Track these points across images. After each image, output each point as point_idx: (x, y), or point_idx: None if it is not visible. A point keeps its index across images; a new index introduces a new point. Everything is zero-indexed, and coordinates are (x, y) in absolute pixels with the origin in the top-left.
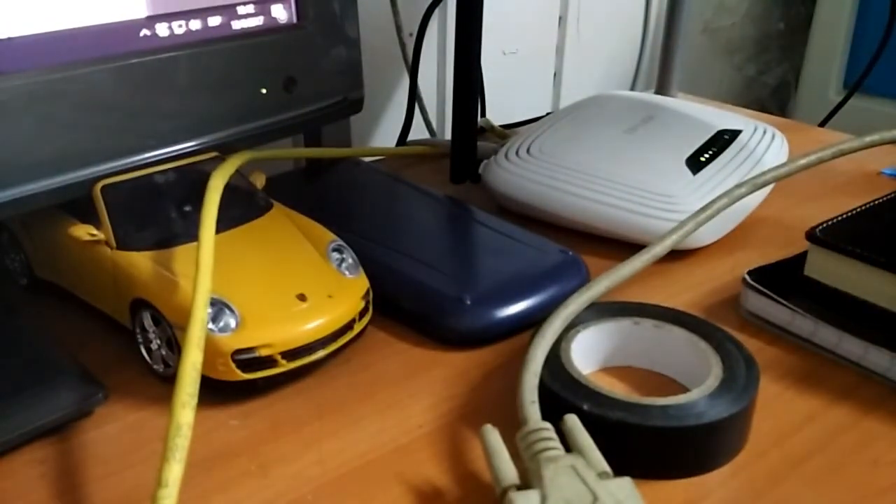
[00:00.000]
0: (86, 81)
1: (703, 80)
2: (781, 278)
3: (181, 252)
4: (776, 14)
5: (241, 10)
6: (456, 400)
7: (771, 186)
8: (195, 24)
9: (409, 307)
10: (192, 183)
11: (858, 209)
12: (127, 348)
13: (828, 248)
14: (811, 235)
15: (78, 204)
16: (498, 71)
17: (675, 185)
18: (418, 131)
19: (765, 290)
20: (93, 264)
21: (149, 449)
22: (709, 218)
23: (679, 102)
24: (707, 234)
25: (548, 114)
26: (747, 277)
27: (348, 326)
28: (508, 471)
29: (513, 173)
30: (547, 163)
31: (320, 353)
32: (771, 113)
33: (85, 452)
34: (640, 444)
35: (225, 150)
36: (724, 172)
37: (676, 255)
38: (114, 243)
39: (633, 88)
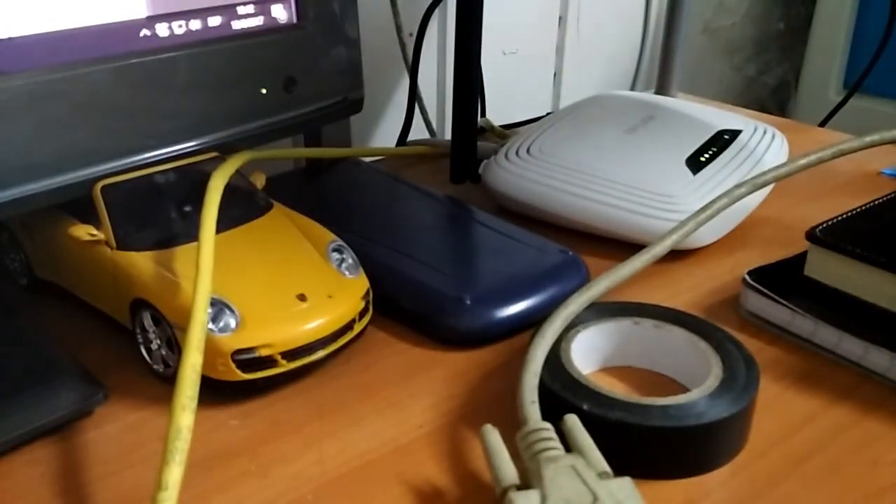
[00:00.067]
0: (86, 81)
1: (703, 81)
2: (781, 278)
3: (181, 252)
4: (776, 14)
5: (241, 10)
6: (456, 400)
7: (771, 186)
8: (195, 24)
9: (409, 307)
10: (192, 183)
11: (858, 209)
12: (127, 348)
13: (828, 248)
14: (811, 235)
15: (78, 204)
16: (498, 71)
17: (675, 185)
18: (418, 131)
19: (765, 290)
20: (93, 264)
21: (149, 449)
22: (709, 218)
23: (679, 102)
24: (707, 234)
25: (548, 114)
26: (747, 277)
27: (348, 326)
28: (508, 471)
29: (513, 173)
30: (547, 163)
31: (320, 354)
32: (771, 113)
33: (85, 452)
34: (640, 444)
35: (225, 150)
36: (724, 172)
37: (676, 255)
38: (114, 243)
39: (633, 88)
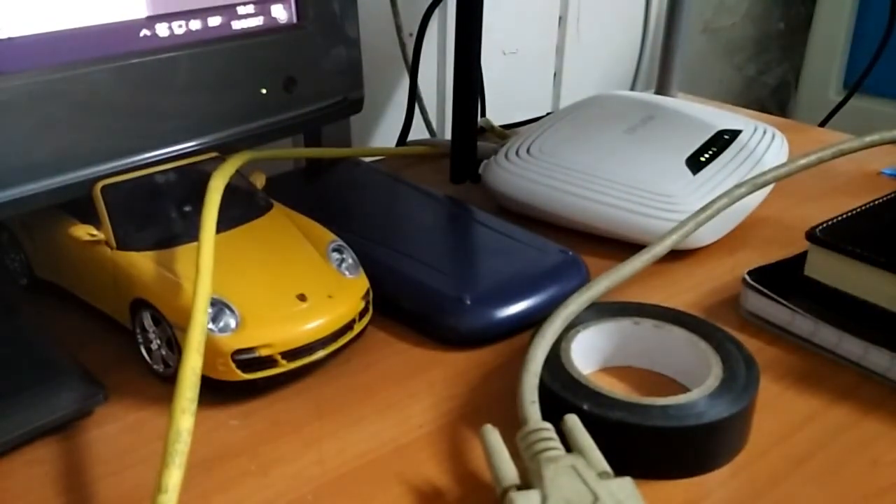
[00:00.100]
0: (86, 81)
1: (703, 81)
2: (781, 278)
3: (181, 252)
4: (776, 14)
5: (241, 10)
6: (456, 400)
7: (771, 186)
8: (195, 25)
9: (409, 307)
10: (192, 183)
11: (858, 209)
12: (127, 348)
13: (828, 248)
14: (811, 235)
15: (78, 204)
16: (498, 71)
17: (675, 185)
18: (418, 131)
19: (765, 291)
20: (93, 264)
21: (149, 449)
22: (709, 218)
23: (679, 102)
24: (707, 235)
25: (548, 114)
26: (747, 277)
27: (348, 326)
28: (509, 471)
29: (513, 173)
30: (547, 163)
31: (320, 354)
32: (771, 113)
33: (86, 452)
34: (640, 445)
35: (225, 150)
36: (724, 172)
37: (676, 256)
38: (114, 243)
39: (633, 88)
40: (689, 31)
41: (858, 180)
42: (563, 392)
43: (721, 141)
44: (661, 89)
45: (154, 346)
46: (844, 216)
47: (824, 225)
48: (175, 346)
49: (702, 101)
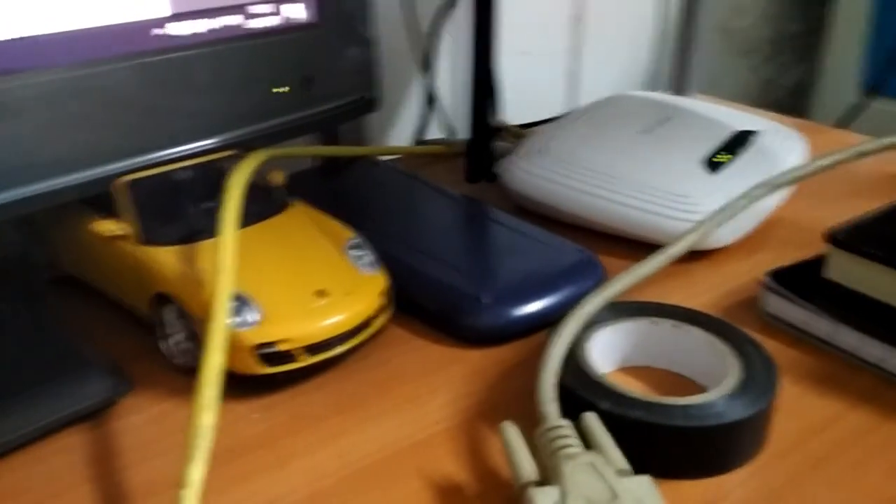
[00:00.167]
0: (108, 79)
1: (720, 82)
2: (800, 280)
3: (203, 248)
4: (793, 15)
5: (260, 8)
6: (474, 397)
7: (790, 188)
8: (216, 23)
9: (426, 305)
10: (212, 180)
11: (878, 211)
12: (149, 342)
13: (847, 250)
14: (830, 237)
15: (102, 199)
16: (514, 71)
17: (693, 186)
18: (434, 130)
19: (784, 292)
20: (116, 259)
21: (171, 440)
22: (727, 218)
23: (696, 103)
24: (726, 235)
25: (564, 114)
26: (766, 279)
27: (367, 323)
28: (528, 467)
29: (529, 173)
30: (564, 162)
31: (339, 349)
32: (789, 114)
33: (111, 442)
34: (659, 444)
35: (243, 147)
36: (742, 173)
37: (695, 256)
38: (137, 238)
39: (649, 89)
40: (706, 33)
41: (878, 182)
42: (582, 391)
43: (739, 142)
44: (678, 90)
45: (176, 340)
46: (864, 218)
47: (844, 227)
48: (197, 340)
49: (719, 102)
